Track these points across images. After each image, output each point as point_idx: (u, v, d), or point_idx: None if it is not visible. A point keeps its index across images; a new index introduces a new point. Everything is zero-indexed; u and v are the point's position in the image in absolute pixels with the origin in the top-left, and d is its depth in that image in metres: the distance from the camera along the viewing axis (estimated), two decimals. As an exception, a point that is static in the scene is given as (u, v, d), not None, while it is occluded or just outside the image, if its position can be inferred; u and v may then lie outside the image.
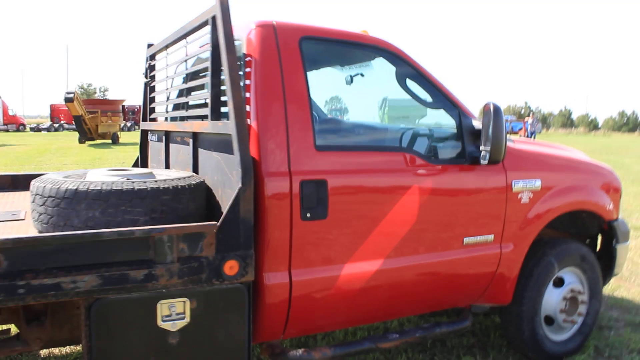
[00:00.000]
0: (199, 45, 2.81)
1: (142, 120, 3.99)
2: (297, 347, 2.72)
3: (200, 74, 2.86)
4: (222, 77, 2.43)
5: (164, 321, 2.02)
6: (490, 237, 2.98)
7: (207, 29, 2.47)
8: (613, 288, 4.68)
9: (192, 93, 3.03)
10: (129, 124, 42.81)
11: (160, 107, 3.69)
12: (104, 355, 1.95)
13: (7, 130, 39.62)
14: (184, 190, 2.31)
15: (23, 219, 2.67)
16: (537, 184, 3.13)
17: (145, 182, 2.25)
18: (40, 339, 2.43)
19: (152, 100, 3.77)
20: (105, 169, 2.57)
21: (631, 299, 4.49)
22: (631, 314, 4.16)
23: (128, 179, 2.29)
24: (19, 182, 3.79)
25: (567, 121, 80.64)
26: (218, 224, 2.05)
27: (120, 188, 2.17)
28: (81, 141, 24.02)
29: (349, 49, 2.85)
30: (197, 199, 2.40)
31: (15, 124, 40.92)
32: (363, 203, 2.53)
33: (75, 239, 1.85)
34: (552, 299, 3.30)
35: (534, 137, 26.40)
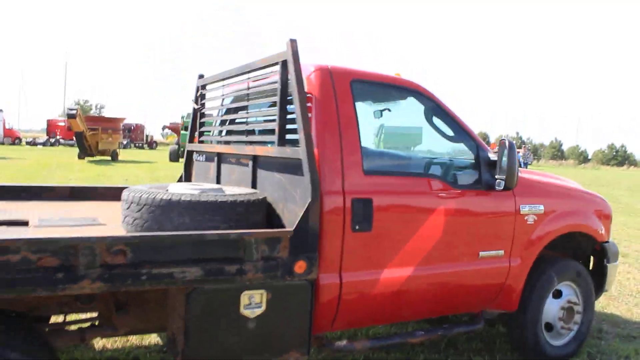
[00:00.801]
0: (262, 82, 3.30)
1: (189, 142, 4.47)
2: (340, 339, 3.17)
3: (262, 107, 3.37)
4: (285, 110, 2.93)
5: (245, 309, 2.48)
6: (501, 252, 3.48)
7: (276, 69, 2.97)
8: (603, 305, 5.18)
9: (251, 120, 3.52)
10: (124, 142, 43.17)
11: (208, 130, 4.18)
12: (197, 336, 2.40)
13: (2, 143, 39.80)
14: (253, 203, 2.79)
15: (105, 224, 3.11)
16: (541, 208, 3.65)
17: (224, 196, 2.73)
18: (125, 325, 2.86)
19: (202, 125, 4.26)
20: (183, 183, 3.05)
21: (619, 315, 5.00)
22: (620, 327, 4.66)
23: (210, 193, 2.76)
24: (77, 193, 4.24)
25: (557, 152, 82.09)
26: (292, 230, 2.53)
27: (206, 200, 2.64)
28: (81, 157, 24.35)
29: (387, 90, 3.38)
30: (261, 212, 2.88)
31: (11, 138, 41.12)
32: (400, 219, 3.03)
33: (184, 238, 2.32)
34: (552, 308, 3.79)
35: (527, 168, 27.15)
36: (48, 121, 42.69)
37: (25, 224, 2.93)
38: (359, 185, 2.90)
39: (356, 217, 2.85)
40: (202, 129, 4.28)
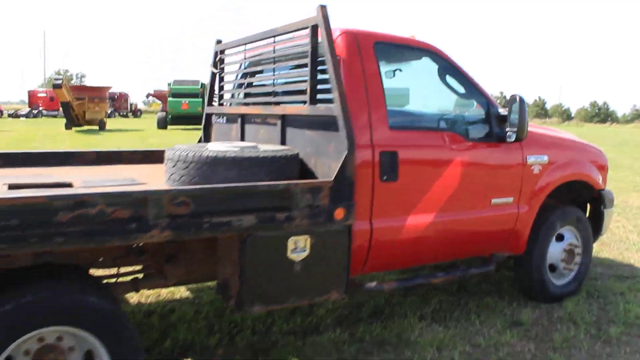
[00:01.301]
0: (289, 45, 3.47)
1: (208, 105, 4.65)
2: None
3: (286, 70, 3.55)
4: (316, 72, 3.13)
5: (291, 253, 2.74)
6: (511, 199, 3.77)
7: (304, 33, 3.16)
8: (597, 251, 5.55)
9: (278, 82, 3.70)
10: (108, 111, 42.69)
11: (228, 93, 4.36)
12: (250, 279, 2.66)
13: (-18, 116, 39.15)
14: (288, 158, 3.02)
15: (145, 183, 3.32)
16: (545, 159, 3.93)
17: (265, 151, 2.95)
18: (174, 276, 3.11)
19: (222, 88, 4.44)
20: (220, 142, 3.25)
21: (612, 259, 5.39)
22: (613, 269, 5.04)
23: (250, 150, 2.98)
24: (102, 158, 4.42)
25: (541, 111, 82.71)
26: (332, 180, 2.77)
27: (249, 155, 2.87)
28: (68, 127, 24.18)
29: (405, 51, 3.58)
30: (296, 166, 3.11)
31: (-9, 110, 40.43)
32: (422, 170, 3.29)
33: (239, 189, 2.55)
34: (555, 250, 4.12)
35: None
36: (29, 92, 41.91)
37: (69, 185, 3.12)
38: (386, 139, 3.14)
39: (384, 169, 3.10)
40: (221, 92, 4.45)
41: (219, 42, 4.44)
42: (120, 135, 22.24)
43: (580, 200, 4.56)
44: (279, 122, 3.52)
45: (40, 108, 40.92)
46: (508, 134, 3.59)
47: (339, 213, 2.82)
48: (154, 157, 4.57)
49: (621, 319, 3.88)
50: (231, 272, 2.71)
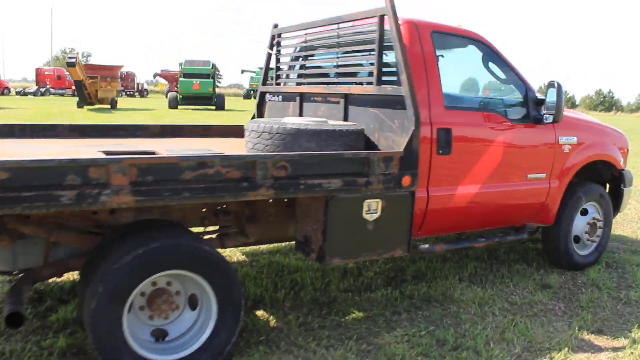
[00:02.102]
0: (354, 31, 3.85)
1: (262, 84, 5.04)
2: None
3: (355, 53, 3.94)
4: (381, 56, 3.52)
5: (365, 214, 3.16)
6: (544, 175, 4.20)
7: (373, 21, 3.55)
8: (612, 229, 5.99)
9: (342, 64, 4.10)
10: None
11: (285, 74, 4.74)
12: (332, 235, 3.07)
13: (-10, 93, 39.33)
14: (357, 132, 3.43)
15: (223, 153, 3.72)
16: (574, 139, 4.35)
17: (340, 125, 3.36)
18: (254, 234, 3.54)
19: (278, 69, 4.82)
20: (295, 117, 3.65)
21: (626, 236, 5.84)
22: (627, 244, 5.49)
23: (327, 124, 3.38)
24: (167, 131, 4.82)
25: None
26: (402, 151, 3.19)
27: (327, 129, 3.28)
28: (80, 105, 24.46)
29: (455, 39, 3.96)
30: (363, 139, 3.52)
31: (-1, 87, 40.63)
32: (471, 145, 3.70)
33: (328, 156, 2.97)
34: (580, 223, 4.56)
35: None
36: (37, 70, 42.08)
37: (152, 154, 3.53)
38: (442, 117, 3.55)
39: (440, 143, 3.52)
40: (278, 73, 4.84)
41: (275, 25, 4.81)
42: (133, 114, 22.55)
43: (602, 179, 4.98)
44: (342, 101, 3.92)
45: (48, 86, 41.10)
46: (545, 116, 4.00)
47: (406, 180, 3.24)
48: (211, 131, 4.99)
49: (639, 285, 4.33)
50: (314, 230, 3.14)
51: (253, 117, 5.16)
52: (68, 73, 41.50)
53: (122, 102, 31.91)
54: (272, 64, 4.97)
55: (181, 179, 2.58)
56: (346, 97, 3.89)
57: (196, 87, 26.84)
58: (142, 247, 2.55)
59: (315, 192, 2.93)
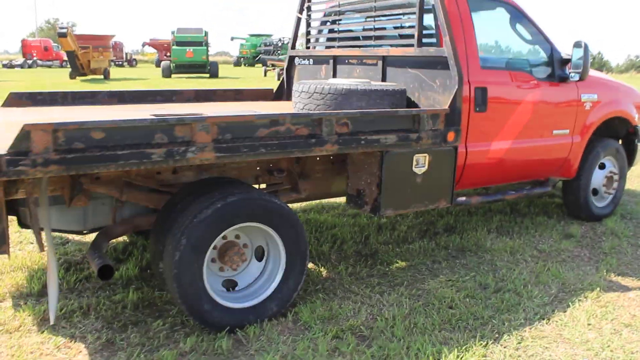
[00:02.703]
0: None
1: (291, 48, 5.17)
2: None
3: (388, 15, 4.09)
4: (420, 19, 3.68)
5: (415, 167, 3.38)
6: (567, 131, 4.43)
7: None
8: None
9: (379, 27, 4.24)
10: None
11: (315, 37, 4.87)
12: (386, 187, 3.28)
13: (-24, 66, 38.57)
14: (401, 92, 3.62)
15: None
16: (595, 97, 4.57)
17: (387, 85, 3.54)
18: (306, 191, 3.74)
19: (309, 33, 4.95)
20: (339, 79, 3.82)
21: (635, 190, 6.15)
22: (637, 197, 5.79)
23: (373, 84, 3.56)
24: (201, 95, 4.95)
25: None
26: (448, 108, 3.39)
27: (375, 88, 3.46)
28: (72, 77, 24.16)
29: (486, 2, 4.11)
30: (404, 98, 3.71)
31: (-16, 59, 39.78)
32: (504, 103, 3.91)
33: (384, 114, 3.16)
34: (598, 177, 4.82)
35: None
36: (23, 42, 41.17)
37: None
38: (478, 77, 3.74)
39: (477, 101, 3.72)
40: (308, 37, 4.97)
41: (306, -10, 4.92)
42: (128, 84, 22.36)
43: (616, 134, 5.23)
44: (379, 62, 4.08)
45: (35, 58, 40.33)
46: (571, 74, 4.21)
47: (451, 136, 3.45)
48: (242, 95, 5.14)
49: (654, 232, 4.64)
50: (368, 184, 3.35)
51: (282, 82, 5.32)
52: (56, 44, 40.83)
53: (113, 72, 31.50)
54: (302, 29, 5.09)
55: (256, 136, 2.76)
56: (384, 59, 4.05)
57: (189, 55, 26.59)
58: (220, 201, 2.74)
59: (374, 147, 3.13)
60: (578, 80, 4.22)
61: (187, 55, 26.59)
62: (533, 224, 4.78)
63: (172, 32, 27.50)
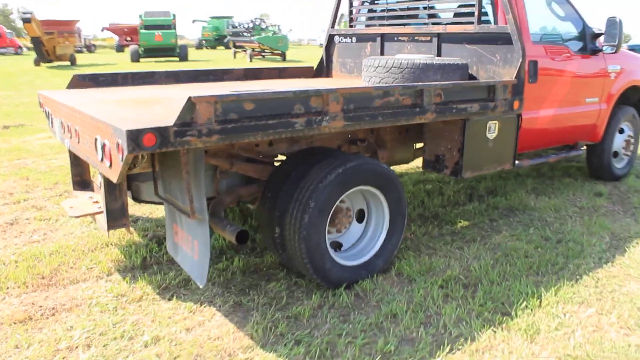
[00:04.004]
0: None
1: (331, 27, 5.40)
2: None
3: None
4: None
5: (487, 133, 3.72)
6: (596, 99, 4.86)
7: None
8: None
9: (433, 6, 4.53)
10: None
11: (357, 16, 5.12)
12: (467, 151, 3.61)
13: None
14: (466, 66, 3.94)
15: None
16: (618, 68, 5.01)
17: (456, 60, 3.85)
18: (385, 157, 4.02)
19: (351, 12, 5.19)
20: (404, 54, 4.10)
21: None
22: (641, 159, 6.36)
23: (443, 59, 3.86)
24: (249, 74, 5.13)
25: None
26: (515, 79, 3.73)
27: (448, 63, 3.76)
28: (37, 63, 23.40)
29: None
30: (467, 71, 4.03)
31: None
32: (550, 74, 4.29)
33: (469, 84, 3.47)
34: (618, 140, 5.31)
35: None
36: (-29, 27, 39.13)
37: None
38: (531, 51, 4.09)
39: (530, 73, 4.08)
40: (351, 16, 5.21)
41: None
42: (98, 69, 21.83)
43: (629, 102, 5.72)
44: (434, 39, 4.38)
45: (-13, 44, 38.49)
46: (604, 47, 4.63)
47: (516, 104, 3.80)
48: (285, 73, 5.35)
49: (670, 188, 5.17)
50: (448, 149, 3.67)
51: (321, 60, 5.55)
52: (9, 31, 39.11)
53: (79, 58, 30.57)
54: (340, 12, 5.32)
55: (373, 105, 3.03)
56: (439, 35, 4.35)
57: (158, 38, 26.10)
58: (340, 167, 3.00)
59: (461, 115, 3.45)
60: (614, 53, 4.64)
61: (155, 38, 26.10)
62: (563, 185, 5.24)
63: (140, 16, 26.87)
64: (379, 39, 4.88)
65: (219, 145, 2.85)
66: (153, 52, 26.47)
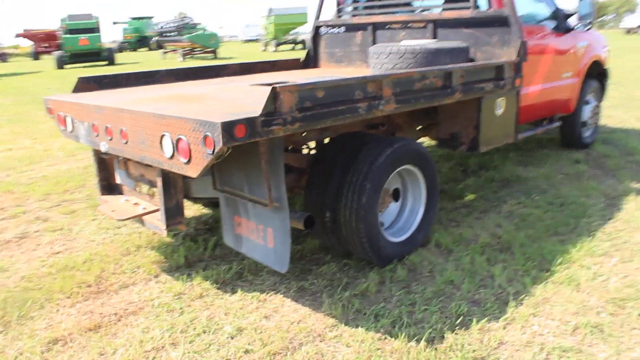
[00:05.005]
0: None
1: (316, 19, 5.51)
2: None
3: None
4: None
5: (496, 109, 4.00)
6: (570, 73, 5.30)
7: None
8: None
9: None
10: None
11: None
12: (482, 127, 3.86)
13: None
14: (467, 49, 4.19)
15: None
16: (585, 44, 5.48)
17: (461, 44, 4.09)
18: (405, 134, 4.20)
19: (339, 3, 5.32)
20: (410, 40, 4.29)
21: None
22: (605, 128, 6.95)
23: (447, 43, 4.09)
24: (245, 68, 5.16)
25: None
26: (515, 59, 4.02)
27: (455, 47, 3.99)
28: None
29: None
30: (468, 54, 4.29)
31: None
32: (537, 52, 4.64)
33: (485, 65, 3.71)
34: (586, 111, 5.80)
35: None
36: None
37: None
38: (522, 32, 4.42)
39: (521, 52, 4.40)
40: (339, 7, 5.35)
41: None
42: (22, 79, 20.59)
43: (591, 75, 6.23)
44: (430, 25, 4.61)
45: None
46: (578, 26, 5.05)
47: (518, 81, 4.10)
48: (277, 66, 5.42)
49: (633, 151, 5.72)
50: (464, 126, 3.91)
51: (308, 52, 5.65)
52: None
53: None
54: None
55: (413, 89, 3.20)
56: (435, 22, 4.59)
57: (84, 42, 24.91)
58: (388, 148, 3.15)
59: (479, 93, 3.69)
60: (587, 30, 5.07)
61: (80, 42, 24.90)
62: (543, 156, 5.66)
63: (62, 20, 25.52)
64: (370, 27, 5.05)
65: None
66: (79, 57, 25.27)
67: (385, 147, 3.16)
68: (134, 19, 42.94)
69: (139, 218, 3.22)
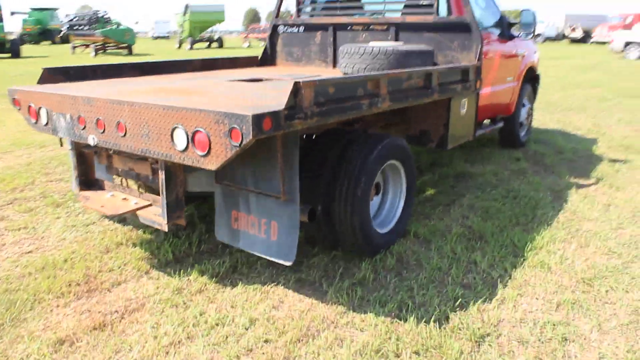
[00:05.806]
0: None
1: (275, 17, 5.58)
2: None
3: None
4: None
5: (461, 109, 4.29)
6: (512, 78, 5.77)
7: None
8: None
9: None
10: None
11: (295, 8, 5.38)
12: (451, 126, 4.14)
13: None
14: (433, 52, 4.47)
15: (319, 75, 4.40)
16: (523, 52, 5.98)
17: (427, 47, 4.35)
18: (400, 134, 4.37)
19: (299, 2, 5.42)
20: (378, 42, 4.49)
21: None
22: (536, 129, 7.57)
23: (417, 46, 4.33)
24: (207, 64, 5.13)
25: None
26: (476, 63, 4.35)
27: (425, 50, 4.24)
28: None
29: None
30: (434, 57, 4.56)
31: None
32: (489, 55, 5.02)
33: (457, 68, 3.98)
34: (523, 113, 6.33)
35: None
36: None
37: (260, 80, 4.10)
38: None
39: (479, 55, 4.76)
40: (299, 7, 5.45)
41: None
42: None
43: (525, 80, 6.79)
44: (392, 28, 4.84)
45: None
46: (521, 34, 5.51)
47: (478, 83, 4.43)
48: (239, 63, 5.44)
49: (563, 149, 6.33)
50: (434, 124, 4.17)
51: (265, 50, 5.70)
52: None
53: None
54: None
55: (403, 88, 3.39)
56: (397, 25, 4.82)
57: (-16, 33, 22.96)
58: (379, 144, 3.31)
59: (452, 94, 3.96)
60: (524, 39, 5.54)
61: (-19, 33, 22.92)
62: (486, 154, 6.11)
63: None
64: (330, 28, 5.21)
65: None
66: (-21, 48, 23.21)
67: (376, 142, 3.32)
68: (35, 9, 40.02)
69: (132, 213, 3.14)
